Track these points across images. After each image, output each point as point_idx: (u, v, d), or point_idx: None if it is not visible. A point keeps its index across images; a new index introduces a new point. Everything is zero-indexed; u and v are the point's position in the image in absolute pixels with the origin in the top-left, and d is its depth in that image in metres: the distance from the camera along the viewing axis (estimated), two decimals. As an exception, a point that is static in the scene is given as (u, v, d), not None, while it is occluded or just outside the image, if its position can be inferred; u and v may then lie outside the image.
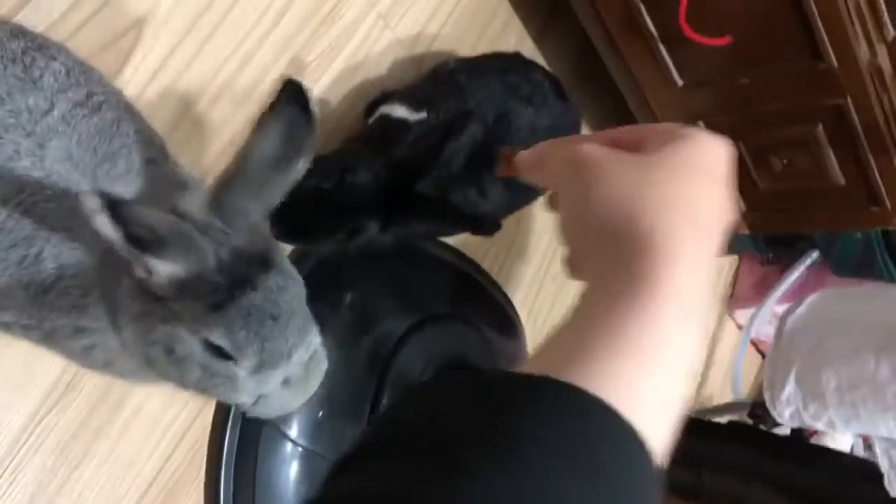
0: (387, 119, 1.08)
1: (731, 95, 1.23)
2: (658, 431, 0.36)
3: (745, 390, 1.83)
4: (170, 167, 0.67)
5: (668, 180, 0.42)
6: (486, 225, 1.00)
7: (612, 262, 0.41)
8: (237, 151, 0.55)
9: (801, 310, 1.04)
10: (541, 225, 1.45)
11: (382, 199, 0.92)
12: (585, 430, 0.34)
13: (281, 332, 0.54)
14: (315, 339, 0.58)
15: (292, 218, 0.72)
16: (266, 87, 1.05)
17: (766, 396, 0.92)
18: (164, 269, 0.51)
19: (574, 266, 0.46)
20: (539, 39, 1.44)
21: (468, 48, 1.31)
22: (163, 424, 0.95)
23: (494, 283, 1.35)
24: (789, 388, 0.87)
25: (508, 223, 1.38)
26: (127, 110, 0.65)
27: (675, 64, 1.23)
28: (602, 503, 0.33)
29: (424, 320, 1.14)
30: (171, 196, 0.57)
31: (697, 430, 0.86)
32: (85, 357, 0.64)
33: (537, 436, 0.33)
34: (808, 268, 1.78)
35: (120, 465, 0.92)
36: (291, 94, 0.54)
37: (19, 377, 0.85)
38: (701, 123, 1.30)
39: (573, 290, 1.47)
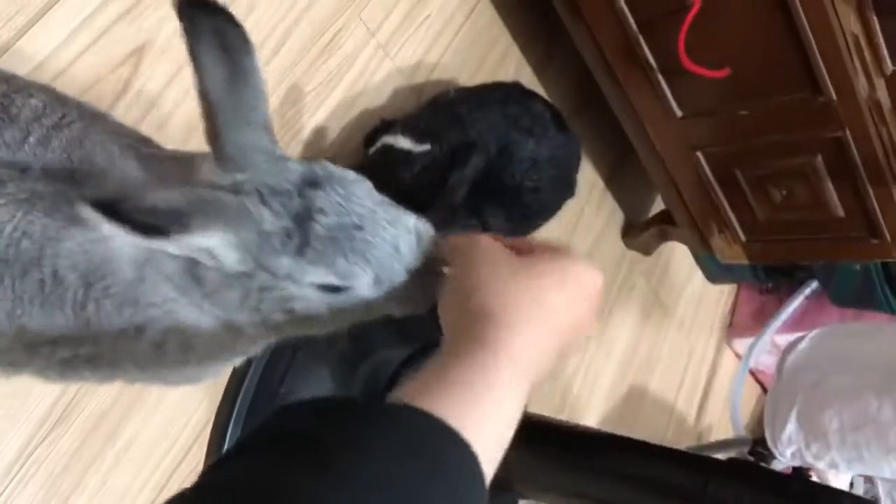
0: (390, 149, 1.08)
1: (730, 126, 1.23)
2: (484, 463, 0.44)
3: (743, 420, 1.82)
4: (155, 148, 0.66)
5: (530, 278, 0.50)
6: None
7: (464, 325, 0.49)
8: (199, 101, 0.51)
9: (802, 346, 1.03)
10: (539, 254, 1.44)
11: None
12: (429, 440, 0.42)
13: (374, 235, 0.51)
14: (409, 219, 0.54)
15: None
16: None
17: (767, 434, 0.91)
18: (210, 241, 0.48)
19: (441, 315, 0.52)
20: (538, 68, 1.44)
21: (467, 77, 1.31)
22: (156, 456, 0.94)
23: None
24: (791, 426, 0.86)
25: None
26: (94, 118, 0.64)
27: (673, 95, 1.23)
28: (442, 495, 0.40)
29: (423, 349, 1.13)
30: (175, 172, 0.55)
31: (697, 466, 0.85)
32: (159, 355, 0.60)
33: (390, 442, 0.41)
34: (808, 297, 1.78)
35: (112, 498, 0.91)
36: (192, 11, 0.50)
37: (10, 408, 0.84)
38: (699, 154, 1.30)
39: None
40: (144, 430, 0.93)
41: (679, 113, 1.25)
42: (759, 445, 0.92)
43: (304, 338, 0.63)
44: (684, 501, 0.83)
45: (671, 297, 1.76)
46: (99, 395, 0.90)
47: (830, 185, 1.23)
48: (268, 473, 0.38)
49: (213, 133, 0.50)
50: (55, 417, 0.86)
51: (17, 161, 0.57)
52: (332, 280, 0.51)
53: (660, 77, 1.22)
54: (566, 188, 1.18)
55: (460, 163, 0.91)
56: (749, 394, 1.95)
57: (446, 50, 1.28)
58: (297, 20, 1.08)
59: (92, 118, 0.63)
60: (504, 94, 1.14)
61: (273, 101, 1.07)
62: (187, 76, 0.97)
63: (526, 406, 0.49)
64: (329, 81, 1.12)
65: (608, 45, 1.23)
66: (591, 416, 1.53)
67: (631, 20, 1.17)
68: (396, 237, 0.52)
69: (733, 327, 1.93)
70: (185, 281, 0.54)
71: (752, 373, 1.94)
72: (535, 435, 0.99)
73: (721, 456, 0.96)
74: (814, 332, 1.08)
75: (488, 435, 0.44)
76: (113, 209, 0.44)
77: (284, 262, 0.50)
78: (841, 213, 1.25)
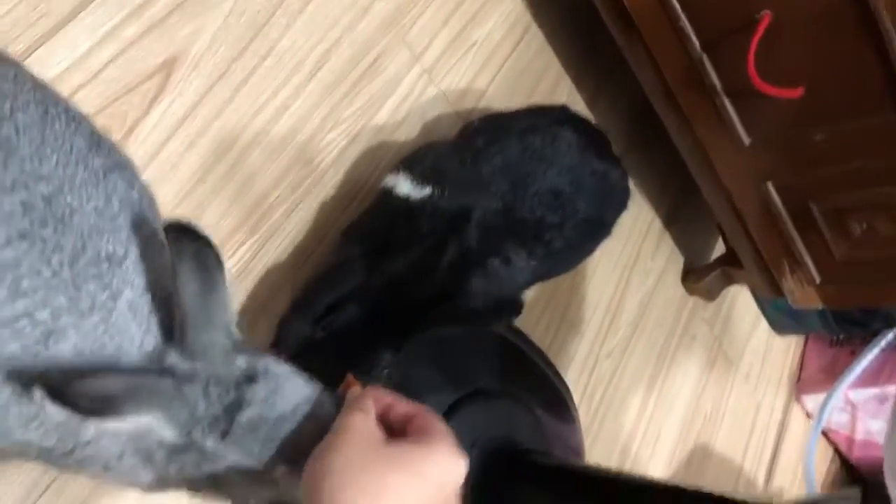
0: (388, 196, 0.98)
1: (804, 154, 1.13)
2: None
3: (818, 483, 1.67)
4: None
5: (385, 471, 0.52)
6: (505, 311, 0.90)
7: None
8: (175, 304, 0.56)
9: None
10: (595, 297, 1.34)
11: (385, 326, 0.86)
12: None
13: (291, 424, 0.57)
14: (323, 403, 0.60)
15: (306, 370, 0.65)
16: (303, 138, 0.98)
17: (890, 486, 0.79)
18: (142, 421, 0.52)
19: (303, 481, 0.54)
20: (591, 101, 1.37)
21: (516, 106, 1.24)
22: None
23: (546, 359, 1.23)
24: (915, 474, 0.75)
25: (561, 292, 1.29)
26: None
27: (741, 120, 1.14)
28: None
29: (470, 395, 1.03)
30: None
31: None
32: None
33: None
34: (884, 350, 1.64)
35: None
36: (178, 233, 0.55)
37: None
38: (769, 185, 1.20)
39: (630, 369, 1.36)
40: None
41: (747, 140, 1.16)
42: (868, 499, 0.80)
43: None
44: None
45: (735, 348, 1.64)
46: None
47: (918, 218, 1.12)
48: None
49: (182, 329, 0.55)
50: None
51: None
52: (248, 463, 0.56)
53: (726, 101, 1.13)
54: (598, 226, 1.07)
55: (440, 253, 0.84)
56: (822, 456, 1.80)
57: (494, 78, 1.22)
58: (338, 41, 1.02)
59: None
60: (531, 121, 1.04)
61: (310, 126, 1.00)
62: (220, 92, 0.91)
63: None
64: (370, 105, 1.06)
65: (669, 69, 1.15)
66: (652, 475, 1.40)
67: (694, 39, 1.08)
68: (306, 424, 0.57)
69: (802, 382, 1.79)
70: (136, 450, 0.57)
71: (825, 434, 1.79)
72: (599, 491, 0.88)
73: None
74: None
75: None
76: (60, 392, 0.47)
77: (209, 444, 0.55)
78: (930, 248, 1.13)
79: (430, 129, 1.12)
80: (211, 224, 0.91)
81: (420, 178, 0.96)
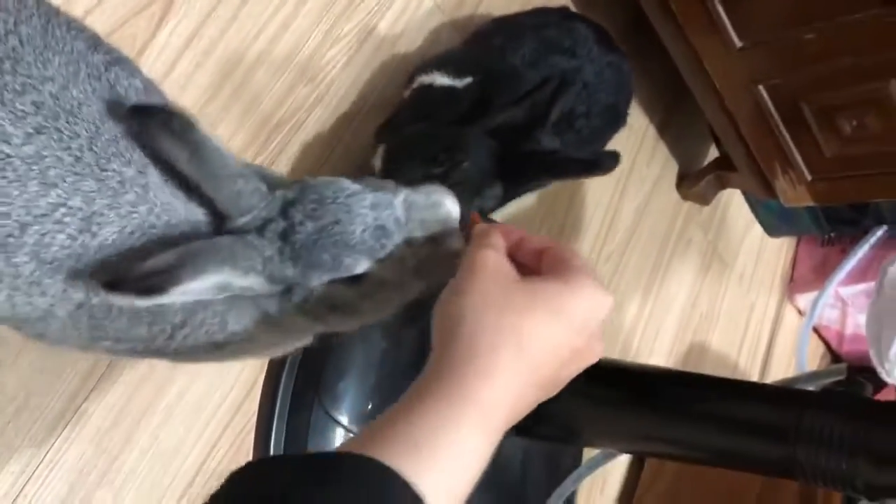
0: (429, 89, 1.01)
1: (795, 54, 1.15)
2: None
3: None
4: None
5: (524, 311, 0.49)
6: (604, 163, 0.93)
7: (446, 352, 0.48)
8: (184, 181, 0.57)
9: (904, 257, 0.96)
10: (593, 204, 1.38)
11: (497, 167, 0.90)
12: (384, 497, 0.42)
13: (352, 223, 0.56)
14: (394, 197, 0.58)
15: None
16: (305, 55, 1.00)
17: (873, 354, 0.84)
18: (209, 281, 0.53)
19: (433, 323, 0.52)
20: (585, 9, 1.37)
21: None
22: (207, 411, 0.90)
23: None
24: (899, 342, 0.80)
25: (560, 200, 1.32)
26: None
27: (732, 24, 1.16)
28: None
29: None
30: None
31: (789, 400, 0.78)
32: (227, 355, 0.65)
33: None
34: (873, 246, 1.69)
35: (163, 455, 0.86)
36: (138, 118, 0.56)
37: (55, 361, 0.80)
38: (761, 87, 1.22)
39: (629, 272, 1.40)
40: (195, 382, 0.89)
41: (739, 43, 1.18)
42: (855, 373, 0.86)
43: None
44: (777, 438, 0.76)
45: (730, 251, 1.69)
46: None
47: (906, 112, 1.15)
48: None
49: (207, 201, 0.57)
50: (101, 369, 0.82)
51: (135, 160, 0.56)
52: (332, 275, 0.57)
53: (717, 4, 1.14)
54: (616, 114, 1.13)
55: (563, 90, 0.87)
56: (813, 351, 1.87)
57: (488, -10, 1.23)
58: (334, -44, 1.03)
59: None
60: (541, 19, 1.09)
61: (311, 44, 1.02)
62: (223, 12, 0.92)
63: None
64: (368, 21, 1.07)
65: (661, -26, 1.16)
66: (652, 373, 1.46)
67: (686, -58, 1.10)
68: (379, 217, 0.57)
69: (794, 282, 1.85)
70: (258, 314, 0.61)
71: (815, 329, 1.85)
72: (603, 378, 0.93)
73: (812, 387, 0.89)
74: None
75: (449, 487, 0.44)
76: (117, 285, 0.50)
77: (289, 273, 0.57)
78: (918, 141, 1.17)
79: (428, 41, 1.14)
80: (223, 141, 0.93)
81: (456, 71, 0.99)
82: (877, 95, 1.15)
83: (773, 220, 1.71)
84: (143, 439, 0.85)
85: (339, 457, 0.44)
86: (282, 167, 0.99)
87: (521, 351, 0.48)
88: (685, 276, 1.57)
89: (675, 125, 1.55)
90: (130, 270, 0.51)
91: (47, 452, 0.79)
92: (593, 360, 0.53)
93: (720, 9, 1.15)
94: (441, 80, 1.00)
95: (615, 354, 1.42)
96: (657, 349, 1.49)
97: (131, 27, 0.87)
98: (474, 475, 0.46)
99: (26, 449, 0.78)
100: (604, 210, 1.40)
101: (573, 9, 1.36)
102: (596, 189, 1.38)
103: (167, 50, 0.89)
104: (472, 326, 0.48)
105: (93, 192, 0.52)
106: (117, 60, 0.59)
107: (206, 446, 0.89)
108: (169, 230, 0.56)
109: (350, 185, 0.58)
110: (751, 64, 1.20)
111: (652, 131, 1.52)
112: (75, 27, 0.58)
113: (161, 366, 0.86)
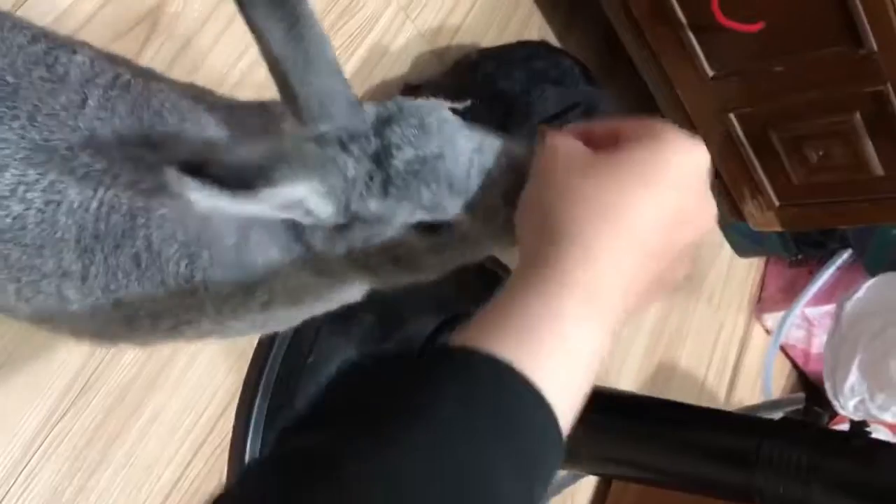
0: None
1: (764, 85, 1.19)
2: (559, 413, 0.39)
3: (775, 395, 1.78)
4: (218, 97, 0.63)
5: (610, 178, 0.44)
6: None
7: (536, 246, 0.43)
8: (266, 63, 0.50)
9: (860, 294, 0.99)
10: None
11: None
12: (497, 392, 0.38)
13: (456, 162, 0.48)
14: (496, 142, 0.51)
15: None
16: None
17: (828, 386, 0.88)
18: (298, 192, 0.46)
19: (518, 233, 0.47)
20: (562, 33, 1.40)
21: (490, 41, 1.28)
22: (182, 429, 0.91)
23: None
24: (853, 377, 0.82)
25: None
26: (146, 73, 0.61)
27: (705, 54, 1.19)
28: (511, 458, 0.37)
29: (449, 321, 1.09)
30: (254, 123, 0.55)
31: (748, 428, 0.81)
32: (266, 311, 0.58)
33: (451, 398, 0.37)
34: (839, 268, 1.73)
35: (137, 472, 0.87)
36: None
37: (31, 379, 0.81)
38: (732, 116, 1.25)
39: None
40: (170, 402, 0.90)
41: (710, 72, 1.21)
42: (812, 403, 0.88)
43: (328, 314, 0.63)
44: (737, 465, 0.79)
45: (699, 272, 1.72)
46: (122, 367, 0.87)
47: (870, 144, 1.18)
48: (326, 448, 0.36)
49: (287, 91, 0.49)
50: (78, 388, 0.83)
51: (81, 127, 0.54)
52: (422, 215, 0.49)
53: (690, 35, 1.17)
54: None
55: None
56: (780, 370, 1.91)
57: (469, 12, 1.25)
58: (316, -20, 1.04)
59: (144, 74, 0.61)
60: (529, 51, 1.10)
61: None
62: (206, 35, 0.94)
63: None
64: (349, 45, 1.09)
65: (636, 4, 1.19)
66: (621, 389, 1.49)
67: (661, -25, 1.13)
68: (483, 162, 0.49)
69: (763, 302, 1.89)
70: (291, 244, 0.54)
71: (782, 348, 1.89)
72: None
73: (772, 416, 0.92)
74: (872, 281, 1.04)
75: (562, 380, 0.39)
76: (199, 171, 0.43)
77: (372, 206, 0.49)
78: (881, 172, 1.21)
79: (408, 68, 1.16)
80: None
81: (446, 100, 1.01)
82: (842, 127, 1.18)
83: (743, 241, 1.75)
84: (118, 458, 0.86)
85: (440, 355, 0.40)
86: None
87: (620, 227, 0.43)
88: (656, 296, 1.60)
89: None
90: (217, 159, 0.44)
91: (22, 470, 0.80)
92: (708, 220, 0.47)
93: (693, 39, 1.18)
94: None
95: (586, 372, 1.44)
96: (626, 368, 1.52)
97: (116, 48, 0.87)
98: (591, 369, 0.41)
99: (0, 467, 0.79)
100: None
101: (550, 32, 1.39)
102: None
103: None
104: (561, 215, 0.43)
105: None
106: (59, 44, 0.58)
107: (181, 465, 0.90)
108: None
109: (454, 118, 0.50)
110: (722, 93, 1.23)
111: (626, 153, 1.55)
112: (16, 25, 0.58)
113: (136, 384, 0.87)
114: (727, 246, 1.78)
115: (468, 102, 0.94)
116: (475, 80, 1.05)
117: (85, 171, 0.53)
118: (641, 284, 0.44)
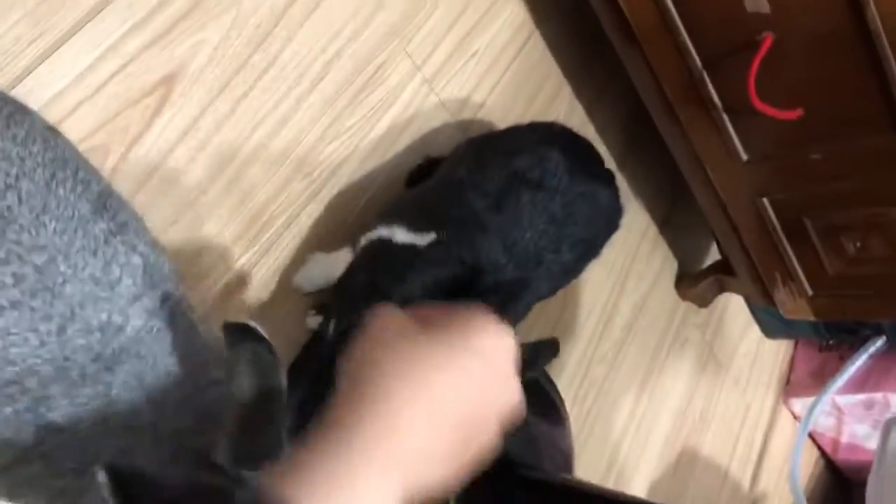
0: (388, 246, 0.92)
1: (801, 171, 1.14)
2: None
3: (802, 485, 1.69)
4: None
5: (421, 355, 0.46)
6: (540, 359, 0.87)
7: (349, 398, 0.45)
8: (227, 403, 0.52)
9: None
10: (590, 301, 1.36)
11: None
12: None
13: None
14: None
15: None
16: (303, 150, 0.99)
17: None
18: None
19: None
20: (590, 107, 1.37)
21: (516, 116, 1.24)
22: None
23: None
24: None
25: (556, 297, 1.29)
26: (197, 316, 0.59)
27: (739, 136, 1.15)
28: None
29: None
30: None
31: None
32: None
33: None
34: (872, 356, 1.66)
35: None
36: (236, 334, 0.52)
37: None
38: (765, 200, 1.20)
39: (622, 373, 1.37)
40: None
41: (745, 156, 1.16)
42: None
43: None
44: None
45: (726, 352, 1.65)
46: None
47: (911, 238, 1.13)
48: None
49: (230, 433, 0.51)
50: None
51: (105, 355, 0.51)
52: None
53: (725, 117, 1.13)
54: (590, 246, 1.02)
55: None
56: (807, 457, 1.83)
57: (495, 87, 1.22)
58: (340, 52, 1.02)
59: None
60: (517, 142, 1.00)
61: (310, 139, 1.00)
62: (221, 106, 0.91)
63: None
64: (371, 116, 1.06)
65: (668, 82, 1.15)
66: (640, 478, 1.42)
67: (695, 55, 1.09)
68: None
69: (791, 386, 1.81)
70: None
71: (811, 436, 1.81)
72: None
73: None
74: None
75: None
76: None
77: None
78: (922, 267, 1.15)
79: (429, 140, 1.13)
80: (211, 235, 0.91)
81: (416, 221, 0.91)
82: (882, 220, 1.13)
83: (772, 323, 1.68)
84: None
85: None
86: (270, 262, 0.96)
87: (424, 390, 0.45)
88: (680, 378, 1.54)
89: (678, 223, 1.54)
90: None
91: None
92: (511, 399, 0.50)
93: (727, 121, 1.14)
94: (400, 235, 0.92)
95: (604, 458, 1.38)
96: (647, 454, 1.45)
97: (124, 119, 0.85)
98: None
99: None
100: (601, 308, 1.37)
101: (578, 105, 1.36)
102: (594, 285, 1.35)
103: (160, 142, 0.87)
104: (375, 380, 0.45)
105: (49, 377, 0.49)
106: (121, 228, 0.55)
107: None
108: (127, 435, 0.52)
109: None
110: (756, 177, 1.19)
111: (653, 228, 1.50)
112: (83, 180, 0.54)
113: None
114: (755, 326, 1.72)
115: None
116: (451, 189, 0.95)
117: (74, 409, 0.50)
118: (439, 453, 0.46)
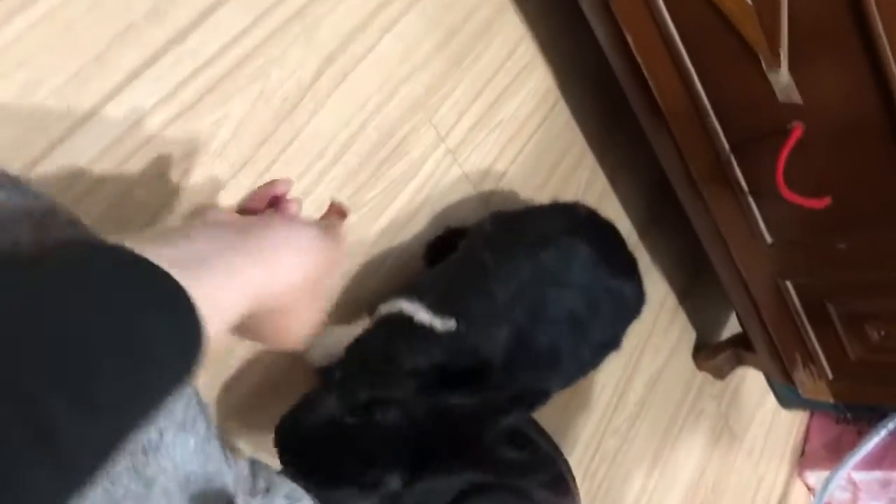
0: (408, 322, 0.90)
1: (826, 258, 1.12)
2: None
3: (814, 563, 1.66)
4: None
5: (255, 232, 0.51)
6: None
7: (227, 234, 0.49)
8: None
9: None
10: (604, 375, 1.34)
11: (412, 448, 0.80)
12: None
13: None
14: None
15: (308, 453, 0.62)
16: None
17: None
18: None
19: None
20: (613, 175, 1.36)
21: (538, 184, 1.23)
22: None
23: (547, 437, 1.22)
24: None
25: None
26: None
27: (764, 220, 1.13)
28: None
29: (465, 492, 1.01)
30: None
31: None
32: None
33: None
34: (890, 433, 1.63)
35: None
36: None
37: None
38: (789, 283, 1.19)
39: (635, 446, 1.34)
40: None
41: (769, 239, 1.15)
42: None
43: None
44: None
45: (741, 423, 1.63)
46: None
47: (937, 331, 1.11)
48: None
49: None
50: None
51: None
52: None
53: (751, 200, 1.12)
54: (611, 344, 1.01)
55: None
56: (820, 531, 1.79)
57: (518, 155, 1.21)
58: (365, 124, 1.01)
59: None
60: (543, 232, 0.97)
61: (332, 205, 0.99)
62: (243, 180, 0.90)
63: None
64: (392, 188, 1.05)
65: (695, 162, 1.13)
66: (650, 554, 1.40)
67: (723, 139, 1.07)
68: None
69: (805, 458, 1.78)
70: None
71: (824, 509, 1.77)
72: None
73: None
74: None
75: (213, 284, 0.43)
76: None
77: None
78: (948, 360, 1.12)
79: (450, 211, 1.12)
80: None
81: (439, 303, 0.90)
82: (908, 311, 1.11)
83: (790, 394, 1.65)
84: None
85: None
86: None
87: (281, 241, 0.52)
88: (693, 449, 1.51)
89: (696, 293, 1.52)
90: None
91: None
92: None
93: (752, 204, 1.12)
94: (422, 315, 0.90)
95: (614, 531, 1.35)
96: (658, 528, 1.42)
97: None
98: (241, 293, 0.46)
99: None
100: (615, 382, 1.35)
101: (601, 173, 1.35)
102: (608, 362, 1.33)
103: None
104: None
105: None
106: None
107: None
108: None
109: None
110: (779, 260, 1.17)
111: (672, 298, 1.48)
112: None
113: None
114: (771, 396, 1.69)
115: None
116: (476, 274, 0.93)
117: None
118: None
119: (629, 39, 1.06)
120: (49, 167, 0.76)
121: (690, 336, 1.52)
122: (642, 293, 1.03)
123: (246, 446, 0.93)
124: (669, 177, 1.21)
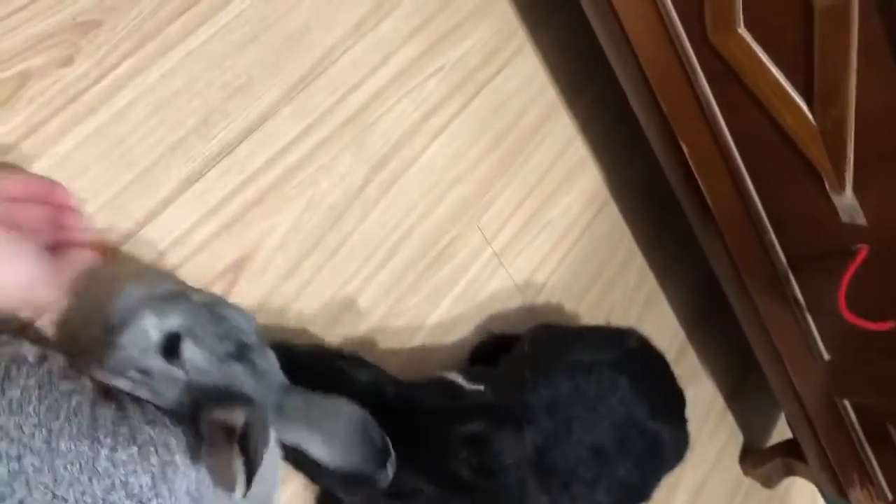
0: (449, 384, 0.90)
1: (887, 380, 1.07)
2: None
3: None
4: None
5: None
6: None
7: None
8: None
9: None
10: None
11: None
12: None
13: None
14: None
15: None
16: (364, 330, 0.95)
17: None
18: None
19: None
20: (661, 277, 1.32)
21: (584, 286, 1.21)
22: None
23: None
24: None
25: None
26: None
27: (822, 336, 1.09)
28: None
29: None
30: None
31: None
32: None
33: None
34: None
35: None
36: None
37: None
38: (846, 402, 1.13)
39: None
40: None
41: (826, 356, 1.10)
42: None
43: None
44: None
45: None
46: None
47: None
48: None
49: None
50: None
51: None
52: None
53: (808, 316, 1.07)
54: (636, 493, 0.93)
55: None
56: None
57: (565, 257, 1.18)
58: (412, 229, 0.99)
59: None
60: (588, 356, 0.93)
61: (373, 318, 0.97)
62: (287, 289, 0.89)
63: None
64: (437, 293, 1.03)
65: (749, 274, 1.10)
66: None
67: (780, 254, 1.04)
68: None
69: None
70: None
71: None
72: None
73: None
74: None
75: None
76: None
77: None
78: None
79: (495, 315, 1.09)
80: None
81: (474, 379, 0.90)
82: (974, 439, 1.05)
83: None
84: None
85: None
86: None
87: None
88: (739, 560, 1.44)
89: (746, 395, 1.46)
90: None
91: None
92: None
93: (810, 321, 1.08)
94: (457, 378, 0.90)
95: None
96: None
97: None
98: None
99: None
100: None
101: (649, 270, 1.31)
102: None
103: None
104: None
105: None
106: (118, 439, 0.53)
107: None
108: None
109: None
110: (837, 378, 1.12)
111: (720, 400, 1.43)
112: (74, 412, 0.52)
113: None
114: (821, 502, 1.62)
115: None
116: (513, 382, 0.90)
117: None
118: None
119: (685, 149, 1.04)
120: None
121: (738, 439, 1.46)
122: (684, 440, 0.98)
123: None
124: (722, 284, 1.17)
